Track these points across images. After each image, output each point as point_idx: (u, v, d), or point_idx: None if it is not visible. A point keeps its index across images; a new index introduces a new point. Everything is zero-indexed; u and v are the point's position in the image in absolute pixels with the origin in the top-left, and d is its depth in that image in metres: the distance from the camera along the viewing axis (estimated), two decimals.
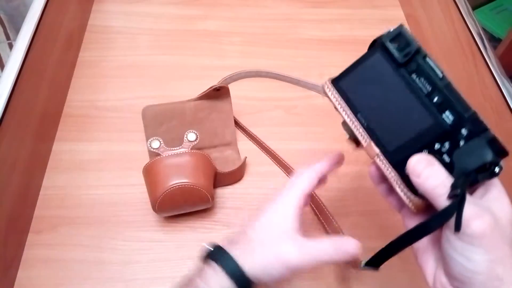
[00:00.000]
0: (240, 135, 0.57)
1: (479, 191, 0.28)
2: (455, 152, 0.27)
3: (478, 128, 0.27)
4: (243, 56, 0.68)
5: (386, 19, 0.75)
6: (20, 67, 0.48)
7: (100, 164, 0.53)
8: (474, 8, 1.55)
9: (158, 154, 0.47)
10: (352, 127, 0.33)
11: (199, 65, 0.65)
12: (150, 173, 0.47)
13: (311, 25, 0.73)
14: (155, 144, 0.48)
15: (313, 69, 0.66)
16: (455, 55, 0.61)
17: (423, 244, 0.30)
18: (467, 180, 0.26)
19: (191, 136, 0.49)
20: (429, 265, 0.30)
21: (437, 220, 0.27)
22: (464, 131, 0.27)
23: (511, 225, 0.27)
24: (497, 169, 0.26)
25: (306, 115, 0.61)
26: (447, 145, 0.27)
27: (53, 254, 0.46)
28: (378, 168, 0.32)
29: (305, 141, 0.58)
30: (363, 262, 0.34)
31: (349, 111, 0.33)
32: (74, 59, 0.64)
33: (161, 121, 0.51)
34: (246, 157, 0.53)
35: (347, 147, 0.61)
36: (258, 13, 0.74)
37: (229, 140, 0.55)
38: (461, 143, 0.27)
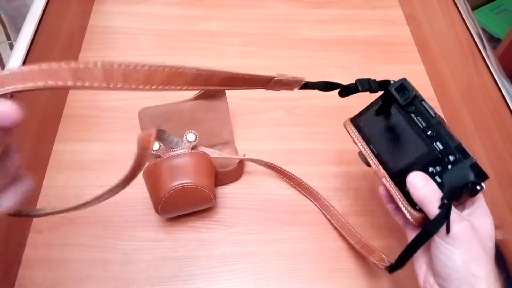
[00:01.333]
0: (238, 134, 0.57)
1: (468, 210, 0.35)
2: (444, 174, 0.34)
3: (462, 155, 0.33)
4: (244, 57, 0.68)
5: (386, 19, 0.75)
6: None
7: (100, 164, 0.53)
8: (474, 8, 1.55)
9: (158, 156, 0.47)
10: (366, 155, 0.40)
11: (200, 65, 0.65)
12: (151, 176, 0.47)
13: (311, 25, 0.73)
14: (155, 146, 0.48)
15: (313, 70, 0.66)
16: (454, 55, 0.61)
17: (418, 253, 0.35)
18: (452, 194, 0.33)
19: (190, 136, 0.49)
20: (422, 269, 0.35)
21: (433, 225, 0.32)
22: (451, 158, 0.34)
23: (491, 239, 0.33)
24: (478, 187, 0.32)
25: (306, 115, 0.61)
26: (438, 168, 0.34)
27: (54, 254, 0.47)
28: (386, 189, 0.38)
29: (305, 141, 0.58)
30: (387, 268, 0.39)
31: (363, 143, 0.40)
32: (74, 60, 0.64)
33: (158, 123, 0.51)
34: (244, 155, 0.53)
35: (346, 146, 0.61)
36: (258, 13, 0.74)
37: (227, 139, 0.55)
38: (449, 167, 0.34)
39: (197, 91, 0.53)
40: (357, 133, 0.41)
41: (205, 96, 0.53)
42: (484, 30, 0.58)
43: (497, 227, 0.50)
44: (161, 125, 0.51)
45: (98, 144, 0.56)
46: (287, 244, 0.49)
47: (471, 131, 0.56)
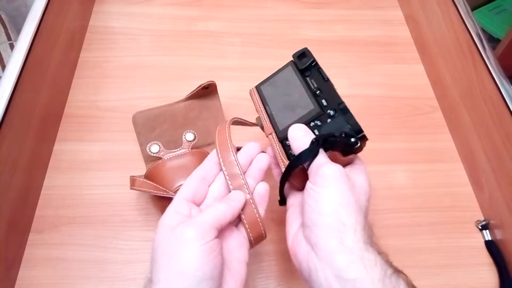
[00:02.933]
0: (237, 134, 0.57)
1: (348, 167, 0.35)
2: (323, 126, 0.36)
3: (342, 111, 0.36)
4: (244, 57, 0.68)
5: (386, 20, 0.75)
6: (21, 67, 0.48)
7: (101, 164, 0.54)
8: (473, 8, 1.55)
9: (159, 158, 0.47)
10: (260, 115, 0.42)
11: (200, 65, 0.66)
12: (154, 178, 0.46)
13: (311, 25, 0.73)
14: (155, 148, 0.48)
15: None
16: (454, 55, 0.61)
17: (290, 218, 0.36)
18: (325, 139, 0.33)
19: (189, 136, 0.49)
20: (292, 228, 0.35)
21: (303, 154, 0.33)
22: (331, 112, 0.36)
23: (365, 195, 0.33)
24: (353, 140, 0.33)
25: None
26: (318, 122, 0.37)
27: (54, 254, 0.47)
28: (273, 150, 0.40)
29: None
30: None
31: (261, 105, 0.43)
32: (75, 60, 0.64)
33: (153, 126, 0.51)
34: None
35: None
36: (258, 14, 0.74)
37: None
38: (328, 120, 0.36)
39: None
40: (257, 97, 0.43)
41: (198, 95, 0.53)
42: (483, 31, 0.58)
43: (497, 227, 0.51)
44: (156, 128, 0.51)
45: (98, 144, 0.56)
46: (287, 244, 0.49)
47: (470, 131, 0.56)
